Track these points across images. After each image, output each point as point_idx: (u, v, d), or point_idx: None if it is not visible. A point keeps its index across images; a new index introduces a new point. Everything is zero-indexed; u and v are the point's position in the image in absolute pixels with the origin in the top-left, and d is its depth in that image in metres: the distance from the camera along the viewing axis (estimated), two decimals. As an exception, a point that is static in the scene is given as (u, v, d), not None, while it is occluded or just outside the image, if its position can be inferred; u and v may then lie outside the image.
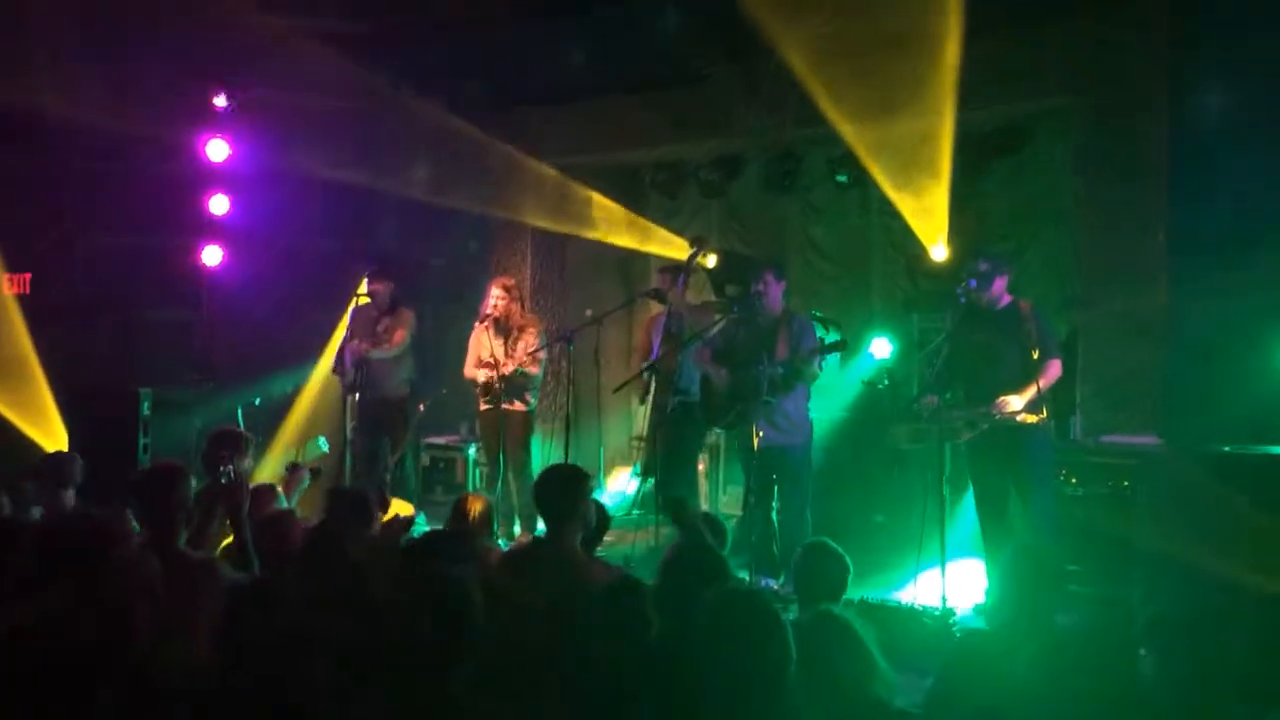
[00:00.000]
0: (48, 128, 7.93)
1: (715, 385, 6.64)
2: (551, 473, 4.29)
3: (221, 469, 4.22)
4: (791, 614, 4.87)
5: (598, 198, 8.82)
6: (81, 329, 8.63)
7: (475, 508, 4.75)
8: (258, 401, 8.21)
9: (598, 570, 4.00)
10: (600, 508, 4.49)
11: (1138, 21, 6.40)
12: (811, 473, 6.54)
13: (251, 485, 5.11)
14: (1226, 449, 5.01)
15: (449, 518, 4.84)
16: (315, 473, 5.78)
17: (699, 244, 7.50)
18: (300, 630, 3.14)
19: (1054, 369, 5.74)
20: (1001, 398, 5.65)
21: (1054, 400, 6.05)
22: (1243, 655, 3.17)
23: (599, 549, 4.71)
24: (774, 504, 6.49)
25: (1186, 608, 2.93)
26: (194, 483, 4.26)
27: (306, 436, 8.73)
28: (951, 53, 6.43)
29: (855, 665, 2.91)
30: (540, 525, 7.21)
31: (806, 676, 2.81)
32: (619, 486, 8.59)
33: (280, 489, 5.28)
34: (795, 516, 6.39)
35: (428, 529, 7.00)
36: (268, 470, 7.52)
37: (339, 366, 7.76)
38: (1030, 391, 5.61)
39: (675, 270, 7.40)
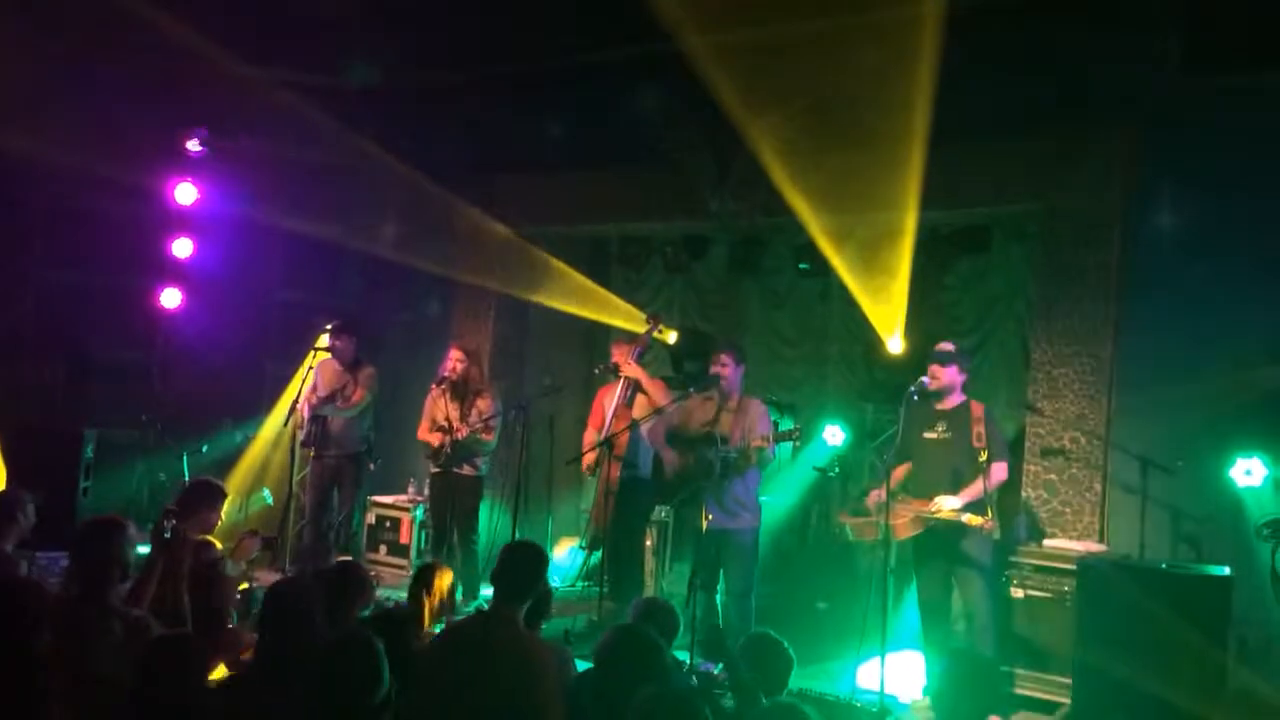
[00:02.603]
0: (12, 163, 7.87)
1: (667, 463, 6.65)
2: (517, 550, 4.21)
3: (165, 524, 4.19)
4: (729, 701, 4.87)
5: (562, 267, 8.88)
6: (30, 366, 8.51)
7: (442, 583, 4.70)
8: (205, 449, 8.12)
9: (541, 649, 3.97)
10: (546, 588, 4.47)
11: (1099, 140, 6.61)
12: (758, 558, 6.54)
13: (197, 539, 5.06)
14: (1163, 565, 5.09)
15: (412, 587, 4.79)
16: (269, 541, 5.68)
17: (656, 319, 7.56)
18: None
19: (1000, 471, 5.83)
20: (938, 497, 5.72)
21: (999, 502, 6.13)
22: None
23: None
24: (719, 586, 6.49)
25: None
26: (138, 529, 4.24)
27: (253, 488, 8.65)
28: (916, 153, 6.61)
29: None
30: (483, 594, 7.20)
31: None
32: (565, 558, 8.54)
33: (228, 553, 5.20)
34: (739, 600, 6.38)
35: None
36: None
37: (294, 420, 7.69)
38: (973, 491, 5.68)
39: (631, 342, 7.45)
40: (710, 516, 6.12)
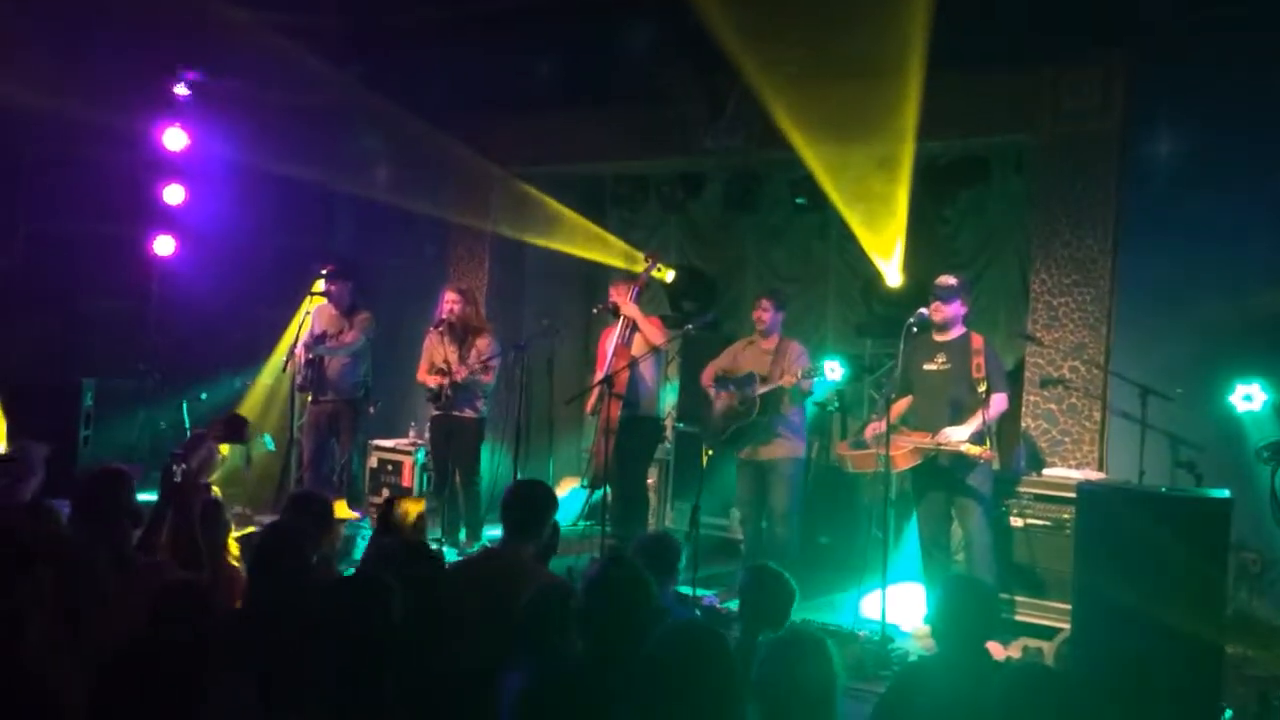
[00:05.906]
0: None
1: (714, 405, 6.79)
2: (524, 487, 4.27)
3: (175, 468, 4.21)
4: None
5: (558, 207, 8.82)
6: (25, 317, 8.47)
7: (403, 510, 4.65)
8: (204, 396, 8.12)
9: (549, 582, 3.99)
10: (553, 524, 4.49)
11: (1097, 69, 6.54)
12: (804, 485, 6.76)
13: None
14: (1163, 490, 5.11)
15: (376, 524, 4.78)
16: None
17: (654, 258, 7.54)
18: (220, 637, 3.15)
19: (1000, 403, 5.84)
20: (944, 430, 5.74)
21: (999, 432, 6.15)
22: (1168, 697, 3.26)
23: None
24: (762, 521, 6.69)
25: (1115, 650, 2.97)
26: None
27: (254, 434, 8.66)
28: (914, 85, 6.55)
29: (824, 688, 2.90)
30: (486, 534, 7.24)
31: (773, 693, 2.82)
32: (567, 498, 8.57)
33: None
34: (783, 528, 6.59)
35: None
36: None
37: (291, 364, 7.68)
38: (975, 423, 5.70)
39: (629, 282, 7.42)
40: (756, 449, 6.54)
